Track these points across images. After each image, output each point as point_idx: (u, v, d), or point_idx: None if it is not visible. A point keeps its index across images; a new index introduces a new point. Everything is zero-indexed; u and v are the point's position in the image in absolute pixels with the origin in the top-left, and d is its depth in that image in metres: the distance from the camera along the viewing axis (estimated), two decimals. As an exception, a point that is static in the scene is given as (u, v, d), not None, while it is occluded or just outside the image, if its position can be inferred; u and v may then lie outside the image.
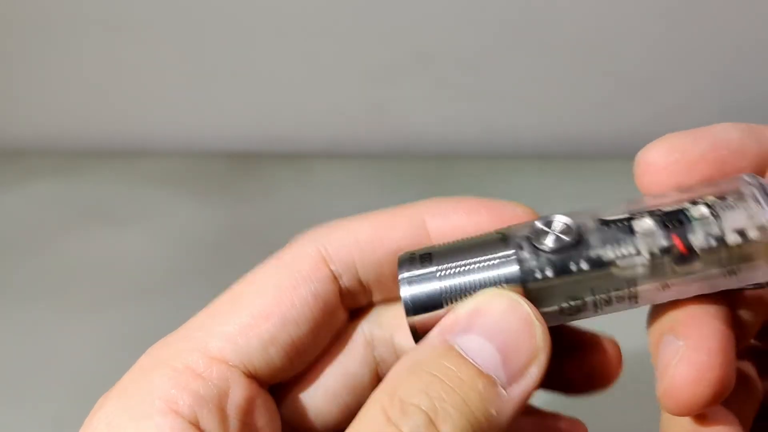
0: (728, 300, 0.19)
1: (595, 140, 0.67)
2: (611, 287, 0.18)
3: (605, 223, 0.18)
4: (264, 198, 0.60)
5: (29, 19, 0.64)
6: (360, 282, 0.21)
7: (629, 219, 0.18)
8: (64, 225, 0.57)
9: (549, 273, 0.18)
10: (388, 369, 0.22)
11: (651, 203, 0.19)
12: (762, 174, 0.19)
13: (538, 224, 0.19)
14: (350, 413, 0.22)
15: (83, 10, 0.63)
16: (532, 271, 0.18)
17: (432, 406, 0.16)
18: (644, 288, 0.18)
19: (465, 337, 0.17)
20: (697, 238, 0.18)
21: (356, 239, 0.21)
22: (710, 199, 0.18)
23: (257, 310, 0.20)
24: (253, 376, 0.20)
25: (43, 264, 0.53)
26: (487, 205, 0.22)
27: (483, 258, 0.19)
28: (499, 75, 0.65)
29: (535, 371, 0.17)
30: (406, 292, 0.19)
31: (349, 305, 0.22)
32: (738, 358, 0.22)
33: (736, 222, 0.18)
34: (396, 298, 0.22)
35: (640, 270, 0.18)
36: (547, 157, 0.66)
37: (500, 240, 0.19)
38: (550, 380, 0.21)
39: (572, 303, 0.18)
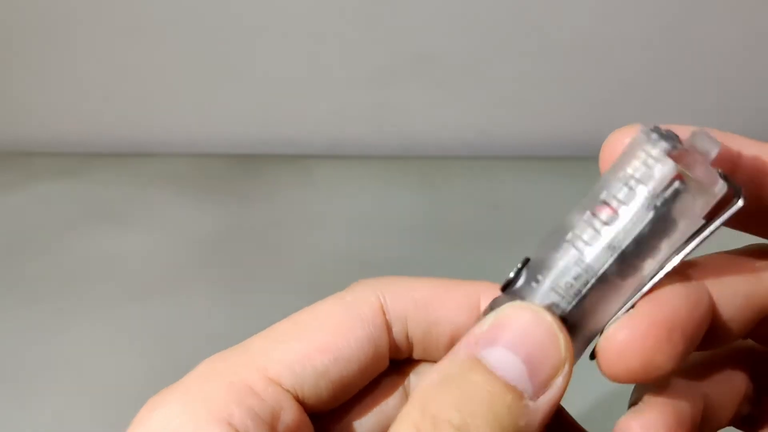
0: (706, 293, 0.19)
1: (594, 141, 0.67)
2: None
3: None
4: (265, 199, 0.60)
5: (33, 21, 0.64)
6: (407, 337, 0.22)
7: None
8: (68, 226, 0.57)
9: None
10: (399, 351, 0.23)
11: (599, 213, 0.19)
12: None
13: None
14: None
15: (87, 12, 0.63)
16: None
17: (463, 422, 0.16)
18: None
19: (491, 350, 0.18)
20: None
21: (413, 297, 0.22)
22: (647, 182, 0.18)
23: (316, 343, 0.21)
24: (301, 403, 0.20)
25: (47, 264, 0.53)
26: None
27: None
28: (498, 76, 0.65)
29: (561, 382, 0.18)
30: None
31: (393, 356, 0.23)
32: (733, 357, 0.22)
33: (659, 181, 0.18)
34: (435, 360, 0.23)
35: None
36: (546, 158, 0.66)
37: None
38: None
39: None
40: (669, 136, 0.18)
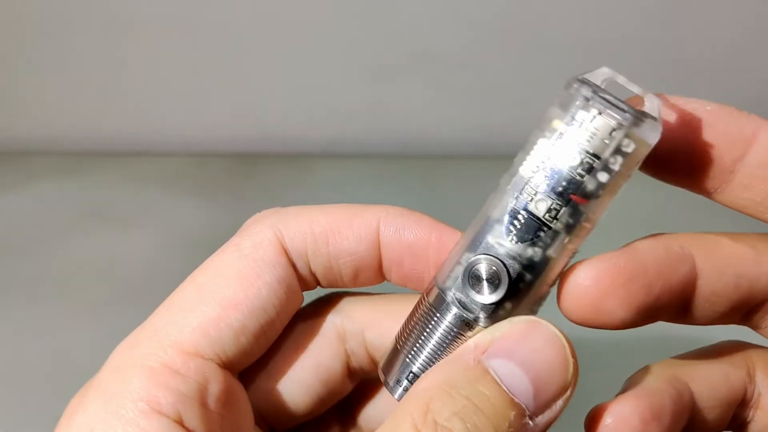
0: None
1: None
2: (553, 271, 0.19)
3: (518, 235, 0.19)
4: (264, 198, 0.60)
5: (31, 20, 0.64)
6: (310, 271, 0.22)
7: (525, 211, 0.19)
8: (66, 225, 0.57)
9: (501, 311, 0.19)
10: (358, 361, 0.22)
11: (523, 176, 0.19)
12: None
13: (463, 278, 0.19)
14: (321, 403, 0.22)
15: (85, 11, 0.63)
16: (478, 322, 0.19)
17: (464, 431, 0.16)
18: (573, 243, 0.19)
19: (501, 362, 0.18)
20: (588, 184, 0.18)
21: (311, 230, 0.21)
22: (567, 133, 0.18)
23: (225, 300, 0.20)
24: (227, 366, 0.20)
25: (46, 264, 0.53)
26: (439, 233, 0.21)
27: (434, 330, 0.19)
28: (498, 75, 0.65)
29: (561, 404, 0.18)
30: (396, 392, 0.20)
31: (303, 289, 0.22)
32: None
33: (602, 144, 0.18)
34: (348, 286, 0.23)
35: (565, 242, 0.19)
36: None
37: (436, 305, 0.20)
38: None
39: (539, 305, 0.19)
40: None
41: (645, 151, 0.18)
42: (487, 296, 0.19)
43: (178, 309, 0.20)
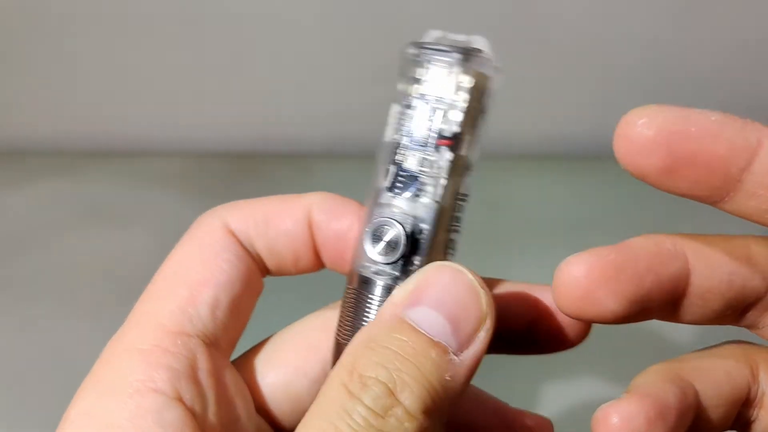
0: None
1: (594, 140, 0.67)
2: (451, 215, 0.20)
3: (398, 194, 0.20)
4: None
5: (31, 20, 0.64)
6: (257, 254, 0.23)
7: (403, 171, 0.20)
8: (65, 225, 0.57)
9: (411, 267, 0.20)
10: None
11: (389, 142, 0.21)
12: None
13: (366, 245, 0.20)
14: (317, 386, 0.22)
15: (84, 10, 0.63)
16: (392, 284, 0.20)
17: (390, 377, 0.17)
18: (459, 184, 0.21)
19: (414, 309, 0.18)
20: (447, 127, 0.20)
21: (252, 217, 0.23)
22: (414, 92, 0.21)
23: (194, 281, 0.21)
24: (211, 344, 0.21)
25: (45, 264, 0.53)
26: (360, 216, 0.23)
27: (361, 306, 0.21)
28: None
29: (483, 336, 0.18)
30: None
31: (261, 275, 0.24)
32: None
33: (446, 88, 0.20)
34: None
35: (451, 186, 0.20)
36: (546, 157, 0.66)
37: (352, 282, 0.21)
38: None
39: (449, 251, 0.21)
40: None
41: (485, 82, 0.21)
42: (392, 255, 0.20)
43: (153, 299, 0.22)
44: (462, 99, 0.20)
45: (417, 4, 0.62)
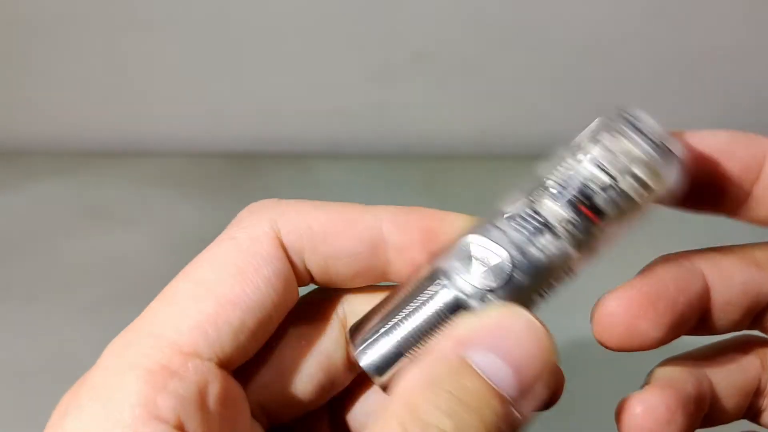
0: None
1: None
2: (551, 280, 0.19)
3: (520, 229, 0.19)
4: (264, 198, 0.60)
5: (30, 19, 0.64)
6: (305, 267, 0.21)
7: (536, 213, 0.19)
8: (65, 225, 0.57)
9: (491, 297, 0.19)
10: None
11: (540, 176, 0.20)
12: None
13: (462, 257, 0.19)
14: (322, 393, 0.22)
15: (84, 10, 0.63)
16: (467, 302, 0.19)
17: (453, 427, 0.16)
18: (576, 261, 0.19)
19: (480, 353, 0.18)
20: (601, 200, 0.19)
21: (309, 227, 0.21)
22: (591, 150, 0.19)
23: (223, 297, 0.19)
24: (224, 365, 0.19)
25: (44, 264, 0.53)
26: (434, 224, 0.21)
27: (420, 300, 0.19)
28: (498, 75, 0.65)
29: (544, 391, 0.18)
30: (366, 361, 0.20)
31: (299, 285, 0.22)
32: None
33: (623, 167, 0.19)
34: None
35: (570, 255, 0.19)
36: (546, 158, 0.66)
37: (429, 279, 0.20)
38: None
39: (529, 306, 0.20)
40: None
41: (661, 188, 0.19)
42: (487, 281, 0.19)
43: (173, 306, 0.19)
44: (633, 189, 0.19)
45: (418, 4, 0.62)
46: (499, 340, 0.18)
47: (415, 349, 0.19)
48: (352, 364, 0.22)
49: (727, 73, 0.65)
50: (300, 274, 0.21)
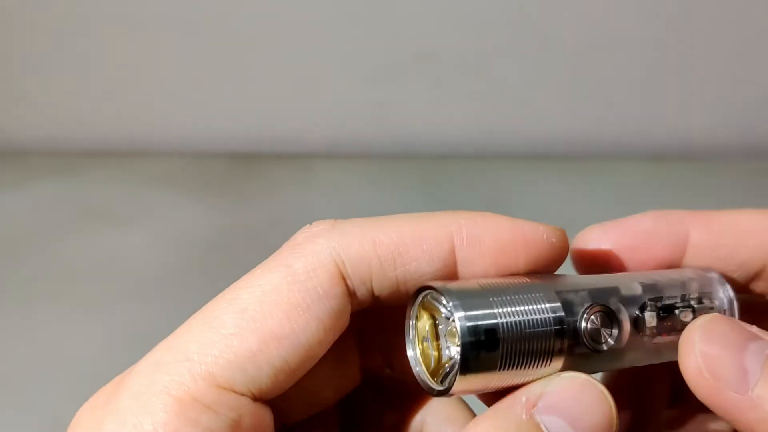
0: None
1: (594, 140, 0.67)
2: (615, 367, 0.21)
3: (634, 320, 0.20)
4: (264, 198, 0.60)
5: (31, 20, 0.64)
6: (372, 295, 0.19)
7: (643, 312, 0.20)
8: (65, 225, 0.57)
9: (582, 359, 0.19)
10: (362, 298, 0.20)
11: (654, 283, 0.21)
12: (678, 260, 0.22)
13: (592, 318, 0.20)
14: (334, 391, 0.22)
15: (84, 11, 0.63)
16: (574, 354, 0.19)
17: None
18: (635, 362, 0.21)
19: (551, 418, 0.18)
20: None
21: (376, 252, 0.19)
22: (694, 299, 0.21)
23: (269, 333, 0.18)
24: (259, 399, 0.18)
25: (44, 263, 0.53)
26: (522, 232, 0.20)
27: (534, 313, 0.19)
28: (498, 75, 0.65)
29: None
30: (468, 349, 0.18)
31: (355, 309, 0.20)
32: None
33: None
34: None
35: (640, 356, 0.20)
36: (546, 157, 0.66)
37: (556, 316, 0.19)
38: None
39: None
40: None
41: None
42: (598, 344, 0.19)
43: (213, 333, 0.18)
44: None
45: (418, 5, 0.62)
46: (571, 408, 0.18)
47: (509, 367, 0.18)
48: (364, 364, 0.22)
49: (727, 73, 0.65)
50: (362, 301, 0.20)
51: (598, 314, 0.19)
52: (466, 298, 0.18)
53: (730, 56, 0.64)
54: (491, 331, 0.18)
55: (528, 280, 0.19)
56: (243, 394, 0.18)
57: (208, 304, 0.19)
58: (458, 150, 0.68)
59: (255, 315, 0.18)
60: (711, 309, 0.20)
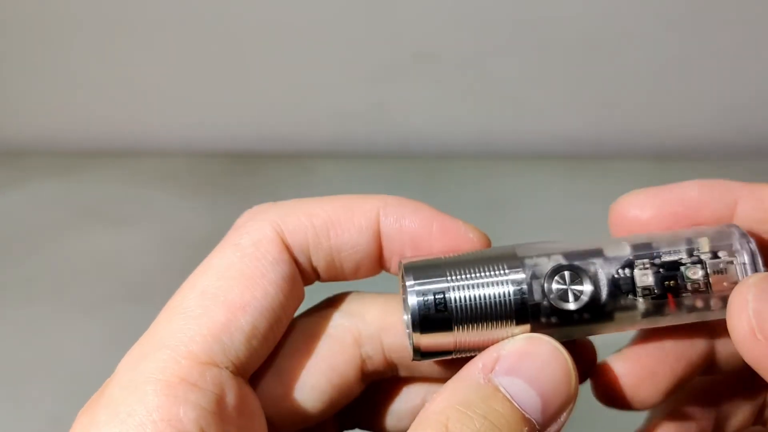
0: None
1: (594, 140, 0.67)
2: (605, 330, 0.20)
3: (614, 279, 0.20)
4: (264, 198, 0.60)
5: (30, 20, 0.64)
6: (311, 265, 0.21)
7: (631, 270, 0.20)
8: (64, 225, 0.57)
9: (554, 320, 0.19)
10: (374, 365, 0.22)
11: (650, 242, 0.20)
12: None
13: (552, 274, 0.20)
14: (331, 406, 0.22)
15: (84, 10, 0.63)
16: (540, 316, 0.19)
17: None
18: (633, 325, 0.20)
19: (510, 379, 0.18)
20: (689, 300, 0.19)
21: (312, 224, 0.21)
22: (705, 254, 0.20)
23: (232, 303, 0.19)
24: (239, 372, 0.19)
25: (43, 263, 0.53)
26: (441, 222, 0.22)
27: (495, 287, 0.19)
28: (498, 75, 0.65)
29: (566, 417, 0.19)
30: (417, 311, 0.19)
31: (305, 284, 0.22)
32: None
33: (722, 288, 0.19)
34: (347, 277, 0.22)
35: (636, 318, 0.20)
36: (546, 157, 0.66)
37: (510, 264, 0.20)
38: None
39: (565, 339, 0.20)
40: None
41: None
42: (564, 303, 0.19)
43: (184, 316, 0.19)
44: (717, 306, 0.20)
45: (418, 5, 0.62)
46: (528, 367, 0.18)
47: (464, 326, 0.19)
48: (365, 376, 0.22)
49: (727, 73, 0.65)
50: (306, 273, 0.21)
51: (566, 274, 0.19)
52: (419, 269, 0.20)
53: (730, 56, 0.64)
54: (439, 293, 0.19)
55: (500, 251, 0.20)
56: (225, 367, 0.19)
57: (171, 298, 0.20)
58: (458, 150, 0.68)
59: (216, 292, 0.19)
60: (729, 263, 0.20)
